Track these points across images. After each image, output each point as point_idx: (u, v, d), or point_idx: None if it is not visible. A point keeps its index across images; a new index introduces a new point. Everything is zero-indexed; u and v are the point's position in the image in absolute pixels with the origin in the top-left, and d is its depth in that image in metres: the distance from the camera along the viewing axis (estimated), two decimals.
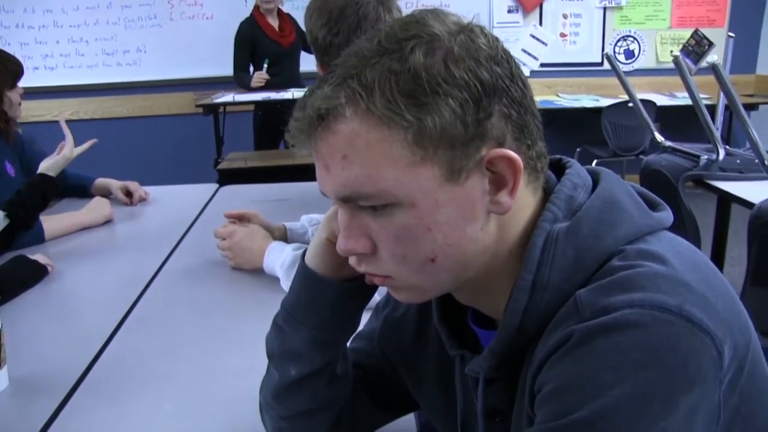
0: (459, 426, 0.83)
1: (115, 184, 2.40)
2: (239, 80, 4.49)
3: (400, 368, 0.91)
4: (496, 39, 0.66)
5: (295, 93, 4.17)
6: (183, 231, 2.00)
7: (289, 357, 0.85)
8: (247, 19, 4.45)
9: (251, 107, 4.45)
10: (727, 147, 2.70)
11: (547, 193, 0.70)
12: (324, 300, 0.81)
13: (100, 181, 2.44)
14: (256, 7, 4.42)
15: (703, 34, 3.02)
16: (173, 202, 2.43)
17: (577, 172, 0.71)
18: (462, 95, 0.61)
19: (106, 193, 2.36)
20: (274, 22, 4.44)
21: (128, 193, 2.37)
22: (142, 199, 2.40)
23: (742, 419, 0.61)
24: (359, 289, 0.81)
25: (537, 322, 0.65)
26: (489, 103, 0.62)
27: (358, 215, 0.66)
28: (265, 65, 4.37)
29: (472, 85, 0.61)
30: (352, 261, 0.70)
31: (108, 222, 2.13)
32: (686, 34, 4.84)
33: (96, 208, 2.12)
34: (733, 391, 0.59)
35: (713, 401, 0.57)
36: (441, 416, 0.87)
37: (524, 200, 0.68)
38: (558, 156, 0.75)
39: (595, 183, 0.71)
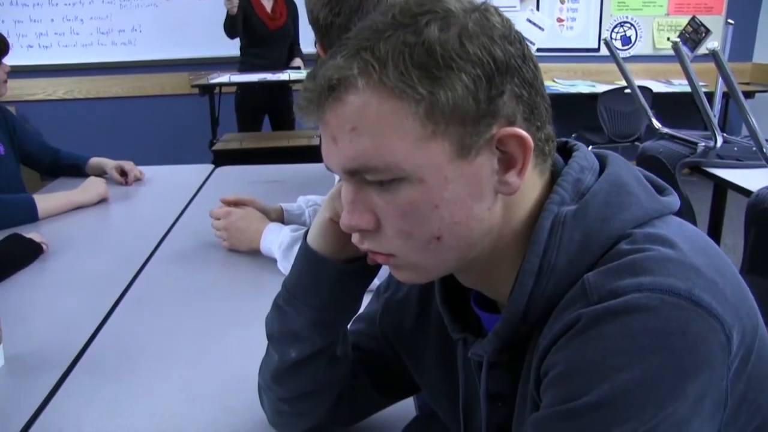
0: (461, 409, 0.82)
1: (109, 163, 2.38)
2: (228, 31, 4.38)
3: (401, 351, 0.91)
4: (509, 20, 0.66)
5: (291, 75, 4.14)
6: (178, 211, 1.99)
7: (289, 338, 0.85)
8: None
9: (228, 89, 4.42)
10: (725, 134, 2.70)
11: (554, 177, 0.69)
12: (325, 280, 0.81)
13: (95, 160, 2.42)
14: None
15: (700, 21, 3.01)
16: (168, 182, 2.42)
17: (584, 155, 0.70)
18: (475, 71, 0.60)
19: (101, 173, 2.35)
20: (267, 2, 4.38)
21: (123, 173, 2.35)
22: (138, 179, 2.38)
23: (748, 405, 0.61)
24: (361, 269, 0.81)
25: (542, 306, 0.64)
26: (501, 81, 0.62)
27: (364, 190, 0.65)
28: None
29: (485, 61, 0.61)
30: (355, 238, 0.69)
31: (103, 201, 2.11)
32: (683, 21, 4.81)
33: (91, 187, 2.10)
34: (740, 377, 0.59)
35: (721, 387, 0.57)
36: (442, 399, 0.87)
37: (531, 182, 0.67)
38: (565, 139, 0.74)
39: (602, 166, 0.70)
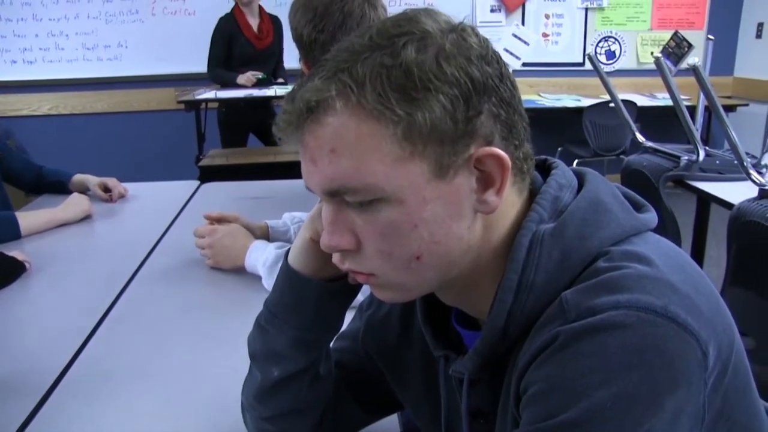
0: (443, 427, 0.82)
1: (93, 180, 2.36)
2: (215, 76, 4.43)
3: (383, 368, 0.91)
4: (486, 39, 0.66)
5: (277, 90, 4.14)
6: (163, 229, 1.98)
7: (271, 357, 0.84)
8: (226, 14, 4.40)
9: (212, 105, 4.43)
10: (707, 148, 2.72)
11: (532, 194, 0.70)
12: (307, 300, 0.81)
13: (78, 177, 2.39)
14: (237, 4, 4.36)
15: (682, 36, 3.05)
16: (154, 199, 2.41)
17: (562, 173, 0.71)
18: (453, 92, 0.61)
19: (84, 190, 2.33)
20: (253, 21, 4.37)
21: (106, 190, 2.33)
22: (122, 196, 2.36)
23: (725, 420, 0.61)
24: (342, 288, 0.81)
25: (522, 323, 0.65)
26: (479, 101, 0.62)
27: (344, 211, 0.65)
28: (260, 77, 4.34)
29: (462, 82, 0.61)
30: (336, 258, 0.70)
31: (86, 219, 2.09)
32: (666, 35, 4.89)
33: (74, 204, 2.08)
34: (717, 392, 0.60)
35: (698, 402, 0.57)
36: (425, 416, 0.87)
37: (510, 200, 0.68)
38: (544, 157, 0.75)
39: (581, 184, 0.71)
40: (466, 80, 0.62)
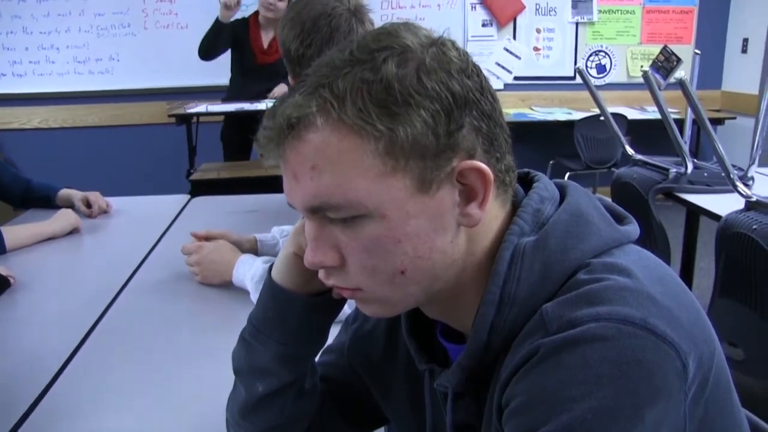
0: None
1: (77, 194, 2.33)
2: (202, 42, 4.20)
3: (369, 382, 0.91)
4: (466, 53, 0.67)
5: (268, 104, 4.14)
6: (152, 243, 1.97)
7: (256, 373, 0.84)
8: (242, 18, 4.30)
9: (214, 118, 4.40)
10: (695, 160, 2.74)
11: (515, 207, 0.70)
12: (291, 315, 0.81)
13: (64, 192, 2.37)
14: (256, 12, 4.24)
15: (671, 50, 3.07)
16: (144, 213, 2.40)
17: (544, 185, 0.71)
18: (434, 106, 0.61)
19: (71, 204, 2.30)
20: (266, 36, 4.23)
21: (90, 205, 2.30)
22: (104, 211, 2.32)
23: (708, 430, 0.61)
24: (327, 303, 0.81)
25: (504, 336, 0.65)
26: (460, 115, 0.63)
27: (327, 227, 0.65)
28: None
29: (443, 96, 0.62)
30: (321, 274, 0.69)
31: (74, 233, 2.08)
32: (655, 49, 4.90)
33: (61, 218, 2.06)
34: (698, 403, 0.60)
35: (678, 413, 0.58)
36: (410, 430, 0.87)
37: (493, 213, 0.68)
38: (526, 170, 0.76)
39: (563, 196, 0.71)
40: (447, 94, 0.62)
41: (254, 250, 1.69)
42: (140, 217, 2.35)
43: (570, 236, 0.66)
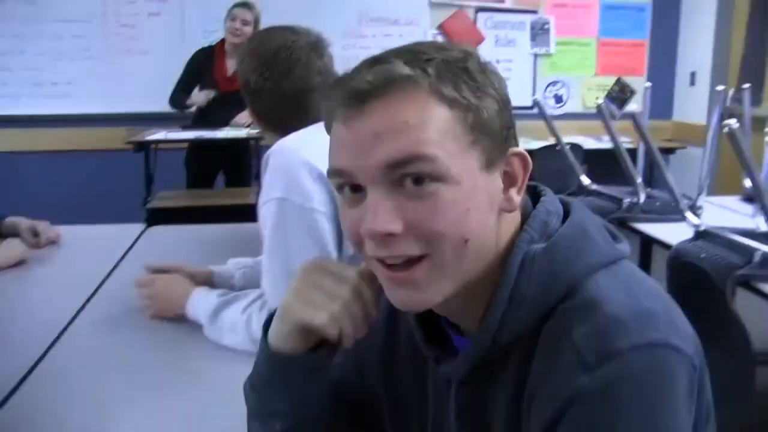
0: (430, 427, 0.86)
1: (23, 223, 2.20)
2: (171, 100, 4.33)
3: (371, 376, 0.93)
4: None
5: (228, 132, 4.12)
6: (104, 275, 1.92)
7: (271, 415, 0.85)
8: (208, 47, 4.35)
9: (185, 145, 4.37)
10: (649, 189, 2.80)
11: (523, 217, 0.76)
12: (296, 378, 0.83)
13: (10, 220, 2.23)
14: (223, 40, 4.27)
15: (625, 82, 3.15)
16: (96, 243, 2.33)
17: (551, 200, 0.78)
18: (498, 98, 0.71)
19: (16, 234, 2.19)
20: (231, 64, 4.21)
21: (37, 234, 2.19)
22: (52, 242, 2.23)
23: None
24: (328, 353, 0.83)
25: (512, 333, 0.71)
26: (509, 114, 0.73)
27: (394, 194, 0.68)
28: (213, 94, 4.21)
29: (501, 93, 0.72)
30: (371, 246, 0.71)
31: (21, 264, 1.99)
32: (610, 81, 5.02)
33: (5, 248, 1.98)
34: (696, 401, 0.68)
35: (692, 417, 0.67)
36: (413, 419, 0.89)
37: (510, 217, 0.75)
38: (534, 183, 0.81)
39: (567, 212, 0.78)
40: (503, 93, 0.72)
41: (209, 283, 1.67)
42: (92, 247, 2.28)
43: (574, 249, 0.72)
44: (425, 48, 0.71)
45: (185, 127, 4.37)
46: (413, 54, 0.69)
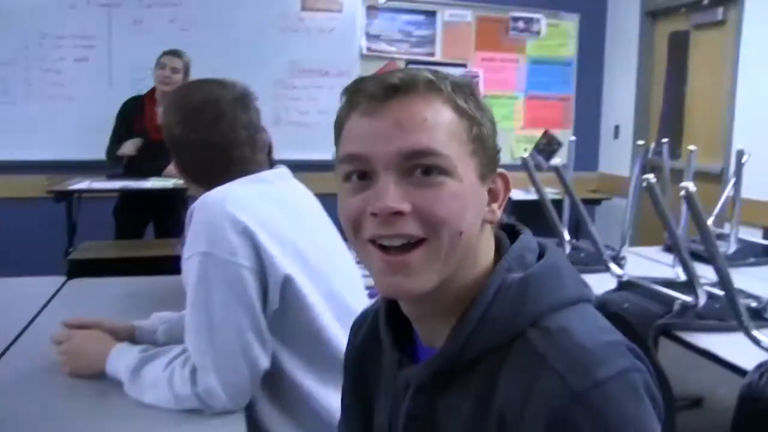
0: (386, 425, 0.93)
1: None
2: (109, 153, 4.23)
3: (361, 386, 1.02)
4: None
5: (155, 182, 4.03)
6: (19, 330, 1.82)
7: None
8: (137, 96, 4.27)
9: (111, 194, 4.25)
10: (574, 241, 2.87)
11: (498, 249, 0.85)
12: None
13: None
14: (152, 89, 4.20)
15: (552, 134, 3.26)
16: (12, 296, 2.21)
17: (529, 238, 0.87)
18: (493, 124, 0.84)
19: None
20: (161, 112, 4.15)
21: None
22: None
23: None
24: None
25: (477, 350, 0.78)
26: (497, 140, 0.84)
27: (404, 180, 0.77)
28: (140, 143, 4.11)
29: (494, 122, 0.84)
30: (373, 226, 0.78)
31: None
32: (538, 133, 5.24)
33: None
34: None
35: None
36: (381, 420, 0.96)
37: (487, 242, 0.84)
38: (513, 222, 0.90)
39: (542, 252, 0.85)
40: (494, 119, 0.84)
41: (131, 338, 1.61)
42: (8, 300, 2.16)
43: (548, 284, 0.79)
44: (439, 71, 0.82)
45: (112, 177, 4.26)
46: (432, 71, 0.81)
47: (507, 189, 0.85)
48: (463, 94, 0.80)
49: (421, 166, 0.76)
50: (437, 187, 0.77)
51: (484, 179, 0.81)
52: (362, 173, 0.79)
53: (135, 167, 4.19)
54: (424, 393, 0.84)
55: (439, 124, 0.77)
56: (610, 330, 0.78)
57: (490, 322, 0.77)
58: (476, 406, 0.78)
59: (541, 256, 0.84)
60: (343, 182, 0.81)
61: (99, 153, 4.40)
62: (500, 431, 0.74)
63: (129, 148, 4.12)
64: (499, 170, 0.84)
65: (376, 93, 0.78)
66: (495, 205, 0.83)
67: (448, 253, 0.78)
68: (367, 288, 1.61)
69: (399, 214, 0.76)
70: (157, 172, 4.09)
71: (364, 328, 1.02)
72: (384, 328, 0.90)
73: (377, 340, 0.95)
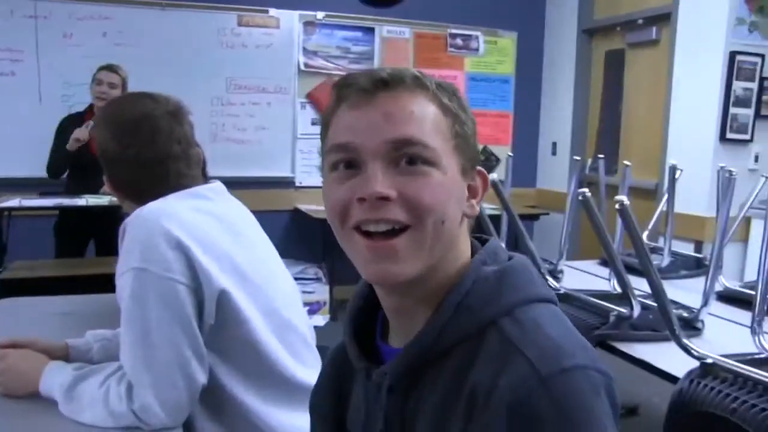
0: None
1: None
2: (49, 169, 4.09)
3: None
4: None
5: (89, 200, 3.94)
6: None
7: None
8: (76, 113, 4.15)
9: (49, 212, 4.11)
10: (517, 254, 2.91)
11: (472, 249, 0.89)
12: None
13: None
14: (91, 105, 4.09)
15: (491, 150, 3.32)
16: None
17: (497, 242, 0.91)
18: (474, 125, 0.88)
19: None
20: (91, 127, 4.05)
21: None
22: None
23: None
24: None
25: (451, 339, 0.81)
26: (477, 141, 0.88)
27: (391, 169, 0.80)
28: (90, 124, 3.88)
29: (475, 123, 0.88)
30: (360, 211, 0.80)
31: None
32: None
33: None
34: None
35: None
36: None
37: (464, 240, 0.87)
38: (480, 234, 0.94)
39: (510, 257, 0.89)
40: (475, 121, 0.88)
41: (65, 357, 1.57)
42: None
43: (521, 279, 0.84)
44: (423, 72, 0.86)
45: (44, 194, 4.14)
46: (420, 72, 0.85)
47: (485, 187, 0.89)
48: (447, 93, 0.84)
49: (407, 156, 0.80)
50: (423, 176, 0.80)
51: (465, 175, 0.85)
52: (349, 162, 0.81)
53: (77, 184, 4.09)
54: (397, 393, 0.86)
55: (425, 118, 0.81)
56: (579, 334, 0.82)
57: (466, 310, 0.81)
58: (447, 395, 0.80)
59: (509, 258, 0.89)
60: (330, 172, 0.84)
61: (31, 170, 4.28)
62: (468, 414, 0.77)
63: (82, 132, 3.94)
64: (478, 168, 0.88)
65: (365, 86, 0.81)
66: (474, 201, 0.87)
67: (432, 241, 0.81)
68: (306, 304, 1.60)
69: (386, 200, 0.78)
70: (89, 190, 4.01)
71: (332, 366, 1.04)
72: (350, 342, 0.92)
73: (346, 371, 0.98)
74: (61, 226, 4.16)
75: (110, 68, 4.02)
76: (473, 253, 0.88)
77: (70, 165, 4.12)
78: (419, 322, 0.84)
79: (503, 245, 0.94)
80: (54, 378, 1.41)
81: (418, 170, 0.80)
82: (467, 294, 0.82)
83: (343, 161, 0.82)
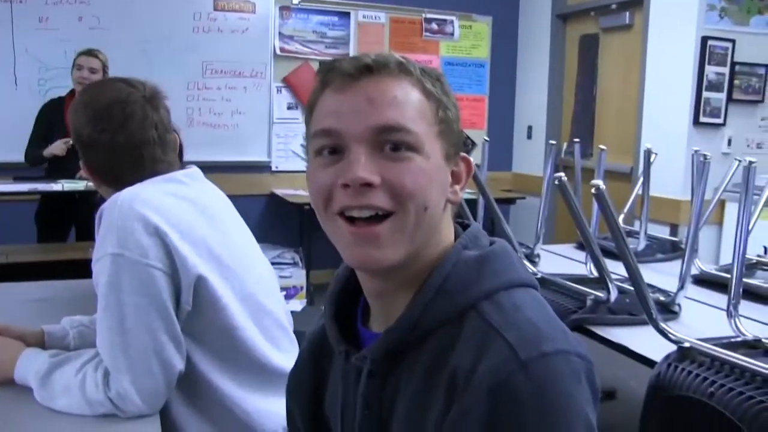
0: (339, 416, 0.93)
1: None
2: (26, 156, 4.07)
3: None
4: None
5: (65, 185, 3.89)
6: None
7: None
8: (58, 98, 4.09)
9: (29, 197, 4.08)
10: (496, 239, 2.92)
11: (455, 235, 0.89)
12: None
13: None
14: (72, 91, 4.03)
15: (467, 134, 3.32)
16: None
17: (479, 227, 0.91)
18: (457, 110, 0.87)
19: None
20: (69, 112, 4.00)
21: None
22: None
23: None
24: None
25: (431, 322, 0.81)
26: (461, 127, 0.89)
27: (374, 155, 0.80)
28: (70, 142, 3.83)
29: (458, 109, 0.88)
30: (343, 197, 0.80)
31: None
32: None
33: None
34: None
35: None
36: (335, 414, 0.96)
37: (447, 225, 0.88)
38: (463, 220, 0.94)
39: (491, 241, 0.90)
40: (458, 107, 0.88)
41: (41, 343, 1.55)
42: None
43: (502, 263, 0.85)
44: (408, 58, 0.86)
45: (18, 179, 4.08)
46: (404, 57, 0.85)
47: (469, 172, 0.89)
48: (431, 79, 0.84)
49: (390, 142, 0.80)
50: (406, 161, 0.80)
51: (448, 160, 0.85)
52: (333, 148, 0.81)
53: (57, 169, 4.04)
54: (377, 377, 0.86)
55: (408, 103, 0.81)
56: (559, 320, 0.82)
57: (446, 293, 0.81)
58: (427, 378, 0.80)
59: (491, 243, 0.90)
60: (314, 157, 0.84)
61: (6, 155, 4.22)
62: (448, 397, 0.77)
63: (59, 147, 3.94)
64: (464, 154, 0.88)
65: (349, 71, 0.81)
66: (457, 187, 0.87)
67: (414, 227, 0.81)
68: (283, 289, 1.60)
69: (369, 185, 0.78)
70: (69, 175, 3.96)
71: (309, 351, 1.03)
72: (330, 324, 0.93)
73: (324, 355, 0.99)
74: (42, 212, 4.12)
75: (90, 53, 3.96)
76: (456, 238, 0.88)
77: (49, 142, 4.06)
78: (400, 307, 0.84)
79: (482, 230, 0.92)
80: (29, 365, 1.39)
81: (401, 156, 0.80)
82: (447, 277, 0.82)
83: (327, 147, 0.82)
